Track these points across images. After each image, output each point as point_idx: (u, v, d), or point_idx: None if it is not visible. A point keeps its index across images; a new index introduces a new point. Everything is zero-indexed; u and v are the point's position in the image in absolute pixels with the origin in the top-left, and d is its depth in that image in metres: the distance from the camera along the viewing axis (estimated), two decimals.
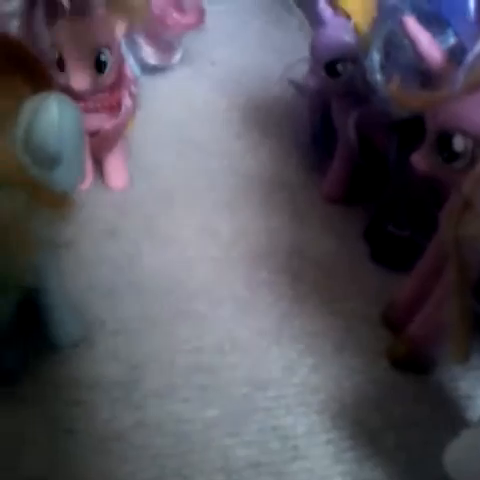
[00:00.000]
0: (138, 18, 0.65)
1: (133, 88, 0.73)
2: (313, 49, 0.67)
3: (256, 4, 1.22)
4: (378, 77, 0.54)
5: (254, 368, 0.57)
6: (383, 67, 0.54)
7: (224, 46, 1.05)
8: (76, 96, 0.62)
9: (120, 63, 0.69)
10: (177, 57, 0.99)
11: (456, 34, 0.49)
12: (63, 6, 0.62)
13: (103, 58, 0.65)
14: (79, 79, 0.65)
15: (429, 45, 0.44)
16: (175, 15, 0.90)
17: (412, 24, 0.44)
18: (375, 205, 0.68)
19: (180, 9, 0.91)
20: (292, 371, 0.56)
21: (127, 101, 0.71)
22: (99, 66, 0.65)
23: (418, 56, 0.44)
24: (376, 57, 0.54)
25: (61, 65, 0.64)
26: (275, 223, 0.72)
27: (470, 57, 0.40)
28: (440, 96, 0.42)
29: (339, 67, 0.64)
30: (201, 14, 0.93)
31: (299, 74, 0.73)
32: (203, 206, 0.74)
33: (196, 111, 0.91)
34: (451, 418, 0.53)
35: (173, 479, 0.48)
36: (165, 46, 0.96)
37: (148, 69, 0.94)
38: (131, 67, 0.86)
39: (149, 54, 0.94)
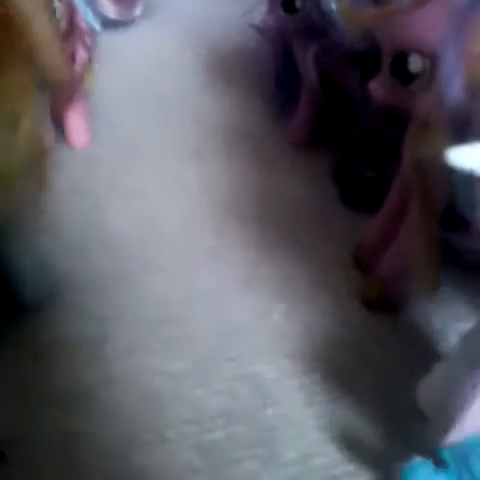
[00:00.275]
0: None
1: (88, 39, 0.70)
2: None
3: None
4: (333, 6, 0.52)
5: (223, 317, 0.55)
6: None
7: None
8: None
9: (71, 13, 0.66)
10: (138, 11, 0.96)
11: None
12: None
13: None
14: None
15: None
16: None
17: None
18: (342, 146, 0.66)
19: None
20: (262, 318, 0.55)
21: (81, 52, 0.68)
22: None
23: None
24: None
25: None
26: (242, 172, 0.70)
27: None
28: (388, 10, 0.40)
29: (297, 3, 0.62)
30: None
31: (259, 17, 0.71)
32: (169, 159, 0.72)
33: (160, 65, 0.89)
34: (424, 354, 0.52)
35: (143, 434, 0.47)
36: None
37: (109, 24, 0.91)
38: (90, 22, 0.84)
39: (109, 8, 0.91)
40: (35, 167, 0.48)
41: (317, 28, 0.58)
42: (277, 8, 0.64)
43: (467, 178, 0.27)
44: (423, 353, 0.52)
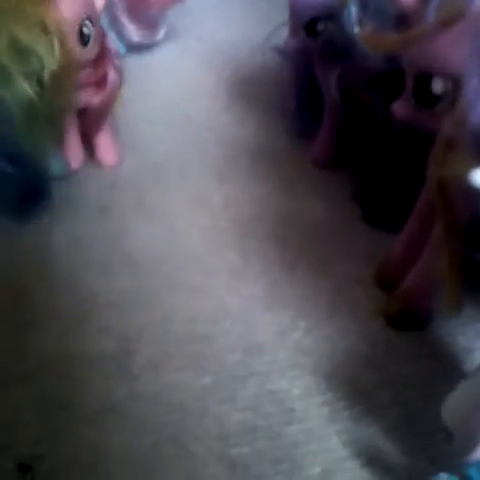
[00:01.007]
0: None
1: (117, 62, 0.73)
2: (292, 11, 0.66)
3: None
4: (356, 30, 0.53)
5: (247, 334, 0.56)
6: (360, 19, 0.53)
7: (209, 20, 1.05)
8: None
9: (102, 36, 0.68)
10: (161, 34, 0.98)
11: None
12: None
13: (86, 31, 0.63)
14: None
15: None
16: None
17: None
18: (364, 165, 0.67)
19: None
20: (285, 335, 0.56)
21: (113, 75, 0.70)
22: (83, 39, 0.63)
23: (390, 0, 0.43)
24: (353, 10, 0.54)
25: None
26: (264, 191, 0.71)
27: None
28: (412, 35, 0.41)
29: (319, 26, 0.63)
30: None
31: (281, 40, 0.72)
32: (193, 178, 0.74)
33: (184, 86, 0.91)
34: (449, 372, 0.52)
35: (168, 447, 0.48)
36: (148, 23, 0.95)
37: (133, 47, 0.93)
38: (115, 44, 0.86)
39: (132, 32, 0.93)
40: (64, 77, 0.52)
41: (339, 50, 0.59)
42: (299, 31, 0.66)
43: None
44: (448, 371, 0.53)
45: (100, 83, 0.68)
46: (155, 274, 0.62)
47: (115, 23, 0.92)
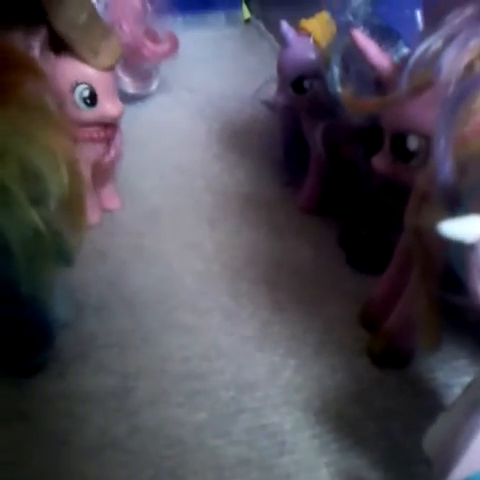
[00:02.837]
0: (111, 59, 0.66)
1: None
2: (280, 68, 0.71)
3: (230, 29, 1.28)
4: (338, 89, 0.57)
5: (240, 372, 0.59)
6: (343, 80, 0.58)
7: (200, 71, 1.10)
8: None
9: None
10: (154, 85, 1.03)
11: (407, 45, 0.53)
12: None
13: None
14: (115, 108, 0.69)
15: (377, 54, 0.48)
16: (150, 45, 0.94)
17: (360, 37, 0.48)
18: (348, 213, 0.72)
19: (154, 39, 0.96)
20: (276, 373, 0.59)
21: (118, 137, 0.74)
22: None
23: (369, 65, 0.48)
24: (336, 71, 0.58)
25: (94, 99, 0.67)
26: (253, 236, 0.75)
27: (411, 62, 0.44)
28: (387, 99, 0.46)
29: (305, 83, 0.68)
30: (175, 42, 0.98)
31: (270, 93, 0.77)
32: (186, 224, 0.78)
33: (176, 136, 0.95)
34: (430, 406, 0.56)
35: (168, 479, 0.50)
36: (142, 75, 1.00)
37: (128, 98, 0.97)
38: None
39: (127, 84, 0.98)
40: (74, 201, 0.50)
41: (324, 107, 0.64)
42: (287, 87, 0.70)
43: (458, 245, 0.32)
44: (429, 405, 0.56)
45: (110, 139, 0.71)
46: (152, 315, 0.65)
47: None
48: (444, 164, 0.37)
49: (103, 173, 0.75)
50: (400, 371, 0.59)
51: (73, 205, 0.51)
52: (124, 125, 0.81)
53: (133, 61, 0.95)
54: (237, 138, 0.92)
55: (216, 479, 0.51)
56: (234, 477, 0.51)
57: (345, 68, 0.58)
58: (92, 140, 0.70)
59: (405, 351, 0.59)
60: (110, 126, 0.71)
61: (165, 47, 0.97)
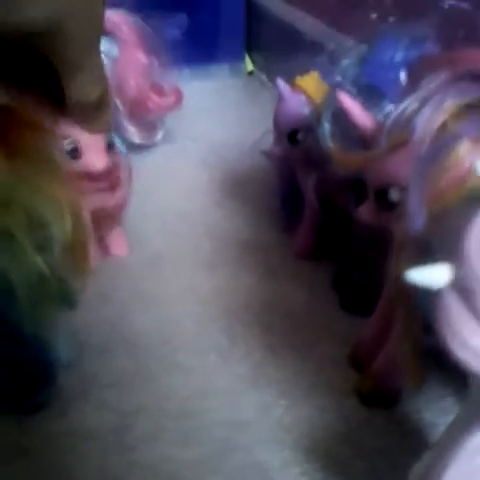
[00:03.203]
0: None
1: (125, 162, 0.80)
2: (276, 121, 0.76)
3: (233, 80, 1.33)
4: (329, 144, 0.61)
5: (233, 411, 0.62)
6: (333, 135, 0.62)
7: (204, 121, 1.15)
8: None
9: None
10: (159, 135, 1.08)
11: (392, 103, 0.57)
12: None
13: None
14: (98, 161, 0.70)
15: (360, 114, 0.52)
16: (155, 98, 0.99)
17: (345, 98, 0.52)
18: (340, 258, 0.75)
19: (159, 92, 1.01)
20: (267, 412, 0.61)
21: (124, 177, 0.77)
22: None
23: (352, 124, 0.52)
24: (326, 126, 0.62)
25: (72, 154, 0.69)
26: (250, 280, 0.78)
27: (389, 122, 0.47)
28: (369, 156, 0.50)
29: (299, 136, 0.72)
30: (179, 96, 1.03)
31: (269, 144, 0.81)
32: (186, 268, 0.81)
33: (179, 184, 1.00)
34: (417, 445, 0.58)
35: None
36: (148, 126, 1.05)
37: (134, 148, 1.02)
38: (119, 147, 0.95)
39: (133, 134, 1.03)
40: (77, 247, 0.51)
41: (316, 159, 0.68)
42: (283, 139, 0.75)
43: (425, 291, 0.35)
44: (415, 444, 0.58)
45: (114, 187, 0.75)
46: (151, 355, 0.68)
47: (118, 126, 1.01)
48: (417, 216, 0.40)
49: (109, 220, 0.79)
50: (388, 411, 0.61)
51: (76, 251, 0.54)
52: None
53: (139, 113, 1.00)
54: (238, 186, 0.97)
55: None
56: None
57: (336, 124, 0.62)
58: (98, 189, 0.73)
59: (392, 391, 0.61)
60: (113, 174, 0.74)
61: (170, 100, 1.02)
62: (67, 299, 0.54)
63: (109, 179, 0.73)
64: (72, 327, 0.67)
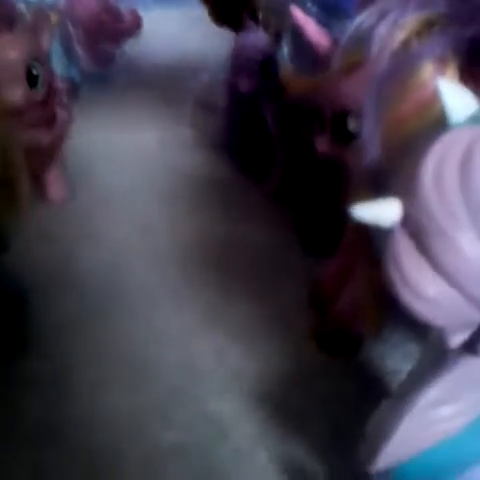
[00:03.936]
0: None
1: (65, 100, 0.74)
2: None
3: (200, 10, 1.25)
4: (288, 68, 0.56)
5: (185, 358, 0.58)
6: (292, 59, 0.57)
7: (165, 52, 1.08)
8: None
9: (50, 76, 0.69)
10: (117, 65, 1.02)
11: None
12: None
13: (35, 72, 0.65)
14: (13, 94, 0.64)
15: (315, 32, 0.46)
16: (109, 22, 0.92)
17: (299, 14, 0.47)
18: (303, 197, 0.71)
19: (115, 16, 0.94)
20: (221, 359, 0.58)
21: (61, 113, 0.72)
22: (31, 80, 0.64)
23: (308, 43, 0.47)
24: (285, 50, 0.57)
25: None
26: (208, 219, 0.74)
27: (343, 40, 0.42)
28: (321, 78, 0.44)
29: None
30: (137, 20, 0.97)
31: None
32: (139, 206, 0.77)
33: (135, 116, 0.95)
34: (378, 393, 0.54)
35: (105, 466, 0.49)
36: (103, 54, 0.99)
37: (88, 77, 0.96)
38: (72, 75, 0.89)
39: (87, 62, 0.96)
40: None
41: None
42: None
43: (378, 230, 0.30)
44: (377, 392, 0.55)
45: (49, 122, 0.69)
46: (99, 298, 0.64)
47: (72, 54, 0.94)
48: (371, 145, 0.36)
49: (43, 159, 0.73)
50: (348, 358, 0.58)
51: (7, 187, 0.50)
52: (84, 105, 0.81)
53: (92, 38, 0.93)
54: (197, 117, 0.91)
55: (153, 465, 0.50)
56: (172, 464, 0.50)
57: (295, 47, 0.57)
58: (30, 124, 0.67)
59: (353, 337, 0.58)
60: (48, 109, 0.69)
61: (126, 24, 0.96)
62: None
63: (34, 115, 0.67)
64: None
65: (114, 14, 0.94)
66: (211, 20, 0.82)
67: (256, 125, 0.74)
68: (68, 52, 0.92)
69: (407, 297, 0.28)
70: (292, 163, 0.70)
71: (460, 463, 0.37)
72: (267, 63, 0.69)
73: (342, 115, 0.45)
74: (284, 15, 0.58)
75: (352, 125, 0.45)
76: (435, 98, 0.32)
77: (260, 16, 0.70)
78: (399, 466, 0.38)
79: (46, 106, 0.68)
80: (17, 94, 0.63)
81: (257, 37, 0.70)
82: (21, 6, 0.80)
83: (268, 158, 0.77)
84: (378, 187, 0.36)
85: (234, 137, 0.78)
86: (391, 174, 0.35)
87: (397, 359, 0.58)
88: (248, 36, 0.71)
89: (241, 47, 0.72)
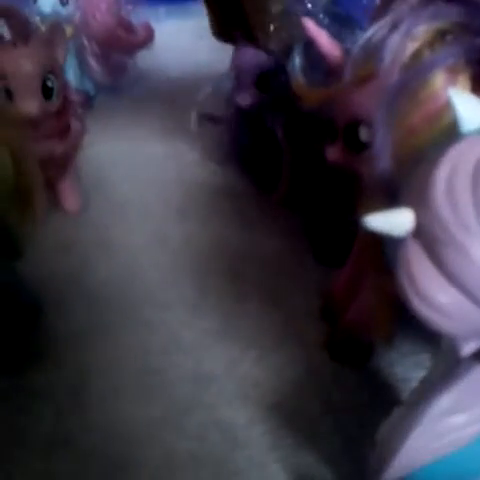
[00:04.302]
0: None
1: (79, 111, 0.75)
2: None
3: None
4: (300, 79, 0.56)
5: (198, 366, 0.58)
6: (304, 70, 0.57)
7: (178, 63, 1.09)
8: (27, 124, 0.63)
9: (65, 88, 0.70)
10: (129, 76, 1.03)
11: None
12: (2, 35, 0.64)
13: (49, 84, 0.65)
14: (28, 106, 0.64)
15: (327, 43, 0.47)
16: (122, 34, 0.93)
17: (310, 25, 0.47)
18: (315, 208, 0.71)
19: (128, 28, 0.95)
20: (233, 367, 0.58)
21: (75, 124, 0.72)
22: (46, 92, 0.65)
23: (320, 55, 0.47)
24: (297, 61, 0.57)
25: (8, 95, 0.64)
26: (221, 228, 0.74)
27: (354, 51, 0.43)
28: (333, 89, 0.45)
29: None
30: (150, 32, 0.98)
31: None
32: (154, 216, 0.77)
33: (149, 127, 0.95)
34: (388, 401, 0.54)
35: (119, 475, 0.50)
36: (116, 66, 1.00)
37: (102, 89, 0.97)
38: (86, 87, 0.90)
39: (100, 74, 0.97)
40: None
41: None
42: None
43: (390, 240, 0.31)
44: (388, 400, 0.55)
45: (63, 133, 0.70)
46: (114, 309, 0.64)
47: (86, 66, 0.95)
48: (383, 155, 0.36)
49: (57, 168, 0.74)
50: (360, 366, 0.58)
51: (23, 197, 0.51)
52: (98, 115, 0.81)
53: (105, 51, 0.94)
54: (212, 129, 0.91)
55: (166, 475, 0.50)
56: (185, 472, 0.50)
57: (308, 59, 0.57)
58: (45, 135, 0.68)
59: (364, 346, 0.58)
60: (62, 120, 0.69)
61: (139, 37, 0.97)
62: (12, 247, 0.52)
63: (48, 126, 0.67)
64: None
65: (127, 28, 0.95)
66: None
67: (263, 136, 0.75)
68: (82, 65, 0.93)
69: (419, 306, 0.28)
70: (304, 173, 0.70)
71: (473, 472, 0.37)
72: (264, 77, 0.69)
73: (354, 125, 0.46)
74: (296, 27, 0.58)
75: (364, 135, 0.46)
76: (447, 108, 0.32)
77: (271, 28, 0.70)
78: (411, 475, 0.38)
79: (61, 117, 0.69)
80: (33, 106, 0.64)
81: (254, 52, 0.71)
82: (36, 19, 0.81)
83: (276, 168, 0.77)
84: (390, 197, 0.36)
85: (242, 148, 0.78)
86: (403, 184, 0.36)
87: (408, 367, 0.58)
88: (245, 51, 0.72)
89: (238, 62, 0.73)
